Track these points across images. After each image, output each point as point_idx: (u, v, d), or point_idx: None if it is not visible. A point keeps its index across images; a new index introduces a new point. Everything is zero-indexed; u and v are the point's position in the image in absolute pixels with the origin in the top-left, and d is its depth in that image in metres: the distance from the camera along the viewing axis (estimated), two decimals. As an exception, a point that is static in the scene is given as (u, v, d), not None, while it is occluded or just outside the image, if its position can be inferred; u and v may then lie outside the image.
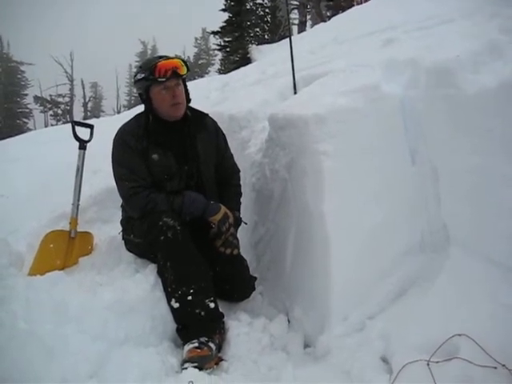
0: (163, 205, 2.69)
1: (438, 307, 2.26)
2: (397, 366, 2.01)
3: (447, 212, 2.61)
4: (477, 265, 2.36)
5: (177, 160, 2.82)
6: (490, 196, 2.38)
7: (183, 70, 2.80)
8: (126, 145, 2.80)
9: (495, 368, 1.87)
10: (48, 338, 2.13)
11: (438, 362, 1.94)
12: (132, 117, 2.98)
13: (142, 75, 2.78)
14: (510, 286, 2.18)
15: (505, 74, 2.36)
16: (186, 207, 2.70)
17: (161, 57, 2.85)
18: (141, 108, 3.07)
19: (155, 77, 2.73)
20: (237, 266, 2.89)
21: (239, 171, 3.21)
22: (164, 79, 2.73)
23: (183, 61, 2.85)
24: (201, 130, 2.96)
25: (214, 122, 3.12)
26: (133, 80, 2.90)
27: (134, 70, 51.25)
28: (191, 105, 3.00)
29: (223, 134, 3.15)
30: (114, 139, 2.87)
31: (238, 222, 2.97)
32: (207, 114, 3.09)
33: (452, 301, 2.26)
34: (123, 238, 3.02)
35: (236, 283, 2.88)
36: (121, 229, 3.04)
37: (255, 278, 2.96)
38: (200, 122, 2.98)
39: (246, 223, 3.08)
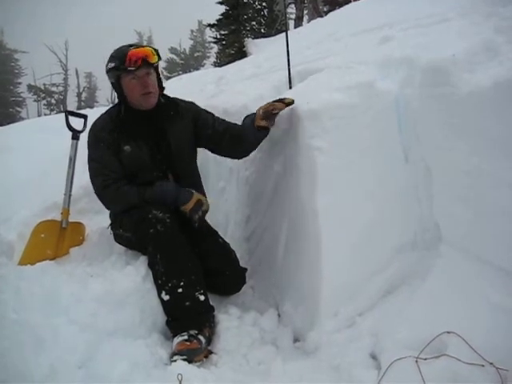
0: (133, 197, 2.73)
1: (428, 305, 2.27)
2: (385, 363, 2.02)
3: (439, 210, 2.62)
4: (467, 264, 2.37)
5: (149, 151, 2.82)
6: (482, 196, 2.38)
7: (154, 59, 2.77)
8: (97, 140, 2.83)
9: (483, 366, 1.88)
10: (38, 328, 2.14)
11: (426, 359, 1.95)
12: (105, 111, 2.98)
13: (113, 64, 2.76)
14: (500, 285, 2.19)
15: (500, 74, 2.36)
16: (157, 197, 2.70)
17: (131, 45, 2.82)
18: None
19: (125, 66, 2.70)
20: (227, 259, 2.90)
21: (235, 123, 3.06)
22: (134, 68, 2.71)
23: (154, 49, 2.82)
24: (173, 119, 2.93)
25: (190, 105, 3.08)
26: (106, 72, 2.86)
27: (129, 61, 51.03)
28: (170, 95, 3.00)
29: (201, 109, 3.10)
30: (88, 135, 2.89)
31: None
32: (181, 101, 3.06)
33: (442, 299, 2.27)
34: (112, 232, 3.02)
35: (227, 276, 2.88)
36: (109, 222, 3.03)
37: (246, 270, 2.96)
38: (172, 110, 2.95)
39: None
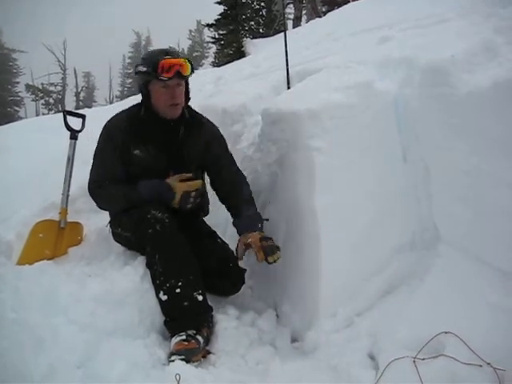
0: (120, 201, 2.75)
1: (426, 305, 2.28)
2: (383, 363, 2.03)
3: (439, 210, 2.62)
4: (466, 264, 2.38)
5: (161, 158, 2.79)
6: (481, 196, 2.39)
7: (187, 71, 2.70)
8: (108, 137, 2.82)
9: (480, 366, 1.88)
10: (37, 328, 2.13)
11: (424, 359, 1.96)
12: (126, 108, 2.94)
13: (144, 69, 2.70)
14: (498, 285, 2.20)
15: (499, 75, 2.37)
16: (144, 198, 2.68)
17: (166, 52, 2.74)
18: (134, 99, 3.05)
19: (157, 74, 2.63)
20: (227, 260, 2.87)
21: (245, 178, 3.00)
22: (166, 78, 2.64)
23: (189, 60, 2.73)
24: (193, 136, 2.88)
25: (213, 129, 3.02)
26: (134, 70, 2.83)
27: (128, 60, 51.19)
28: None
29: (223, 142, 3.02)
30: (102, 129, 2.87)
31: (261, 220, 2.80)
32: (206, 120, 3.01)
33: (441, 299, 2.27)
34: (111, 231, 3.01)
35: (226, 277, 2.86)
36: (108, 220, 3.02)
37: (245, 270, 2.95)
38: (195, 127, 2.90)
39: (267, 220, 2.87)
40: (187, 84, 2.87)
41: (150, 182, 2.72)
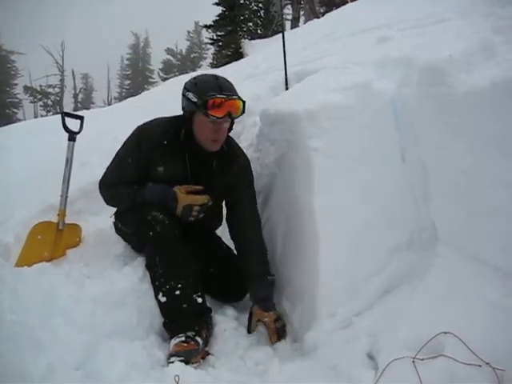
0: (125, 201, 2.74)
1: (426, 305, 2.27)
2: (383, 363, 2.02)
3: (436, 210, 2.62)
4: (465, 264, 2.37)
5: (181, 183, 2.70)
6: (479, 195, 2.39)
7: (239, 113, 2.59)
8: (137, 143, 2.73)
9: (480, 366, 1.87)
10: (36, 329, 2.14)
11: (423, 359, 1.95)
12: (168, 117, 2.83)
13: (195, 100, 2.56)
14: (497, 285, 2.19)
15: (497, 75, 2.37)
16: (148, 201, 2.63)
17: (221, 88, 2.57)
18: (133, 100, 3.03)
19: (206, 110, 2.50)
20: (233, 266, 2.85)
21: (260, 221, 2.87)
22: (215, 118, 2.52)
23: (242, 100, 2.60)
24: (225, 169, 2.79)
25: (246, 163, 2.91)
26: (182, 92, 2.67)
27: (126, 62, 51.10)
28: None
29: (251, 179, 2.91)
30: (135, 130, 2.78)
31: (273, 284, 2.74)
32: (241, 153, 2.92)
33: (439, 299, 2.27)
34: (114, 223, 3.00)
35: (233, 283, 2.84)
36: (113, 212, 3.00)
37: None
38: (229, 160, 2.81)
39: (273, 275, 2.76)
40: (233, 122, 2.75)
41: (157, 187, 2.66)
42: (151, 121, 2.80)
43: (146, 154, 2.69)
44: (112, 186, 2.78)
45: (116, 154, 2.81)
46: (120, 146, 2.80)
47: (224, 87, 2.59)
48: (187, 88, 2.64)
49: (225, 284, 2.84)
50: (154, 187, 2.67)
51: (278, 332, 2.60)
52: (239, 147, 2.95)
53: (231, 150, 2.85)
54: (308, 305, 2.53)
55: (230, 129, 2.77)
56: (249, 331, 2.68)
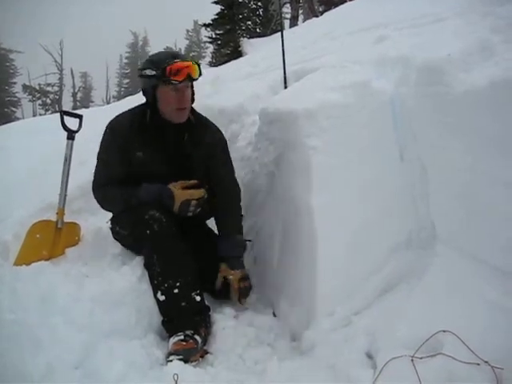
0: (119, 203, 2.76)
1: (424, 304, 2.27)
2: (381, 362, 2.02)
3: (435, 209, 2.62)
4: (463, 263, 2.37)
5: (165, 161, 2.77)
6: (478, 195, 2.39)
7: (197, 74, 2.70)
8: (111, 137, 2.80)
9: (478, 364, 1.88)
10: (35, 328, 2.14)
11: (422, 358, 1.95)
12: (129, 108, 2.92)
13: (153, 72, 2.67)
14: (495, 284, 2.20)
15: (495, 74, 2.37)
16: (143, 202, 2.66)
17: (174, 56, 2.72)
18: (132, 99, 3.03)
19: (167, 77, 2.61)
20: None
21: (239, 189, 3.05)
22: (177, 82, 2.63)
23: (197, 63, 2.72)
24: (197, 140, 2.86)
25: (217, 134, 3.02)
26: (139, 73, 2.78)
27: (125, 60, 51.06)
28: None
29: (225, 148, 3.03)
30: (105, 128, 2.84)
31: (243, 245, 2.89)
32: (211, 123, 3.01)
33: (438, 298, 2.27)
34: (111, 228, 2.99)
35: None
36: (109, 217, 3.01)
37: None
38: (200, 131, 2.89)
39: (250, 240, 2.97)
40: (192, 87, 2.84)
41: (152, 187, 2.70)
42: (117, 115, 2.89)
43: (123, 144, 2.75)
44: (103, 185, 2.79)
45: (98, 156, 2.86)
46: (98, 149, 2.86)
47: (177, 55, 2.76)
48: (143, 67, 2.75)
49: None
50: (148, 187, 2.69)
51: (241, 291, 2.73)
52: (207, 119, 3.03)
53: (199, 121, 2.93)
54: (306, 304, 2.53)
55: (193, 99, 2.85)
56: (215, 288, 2.80)
